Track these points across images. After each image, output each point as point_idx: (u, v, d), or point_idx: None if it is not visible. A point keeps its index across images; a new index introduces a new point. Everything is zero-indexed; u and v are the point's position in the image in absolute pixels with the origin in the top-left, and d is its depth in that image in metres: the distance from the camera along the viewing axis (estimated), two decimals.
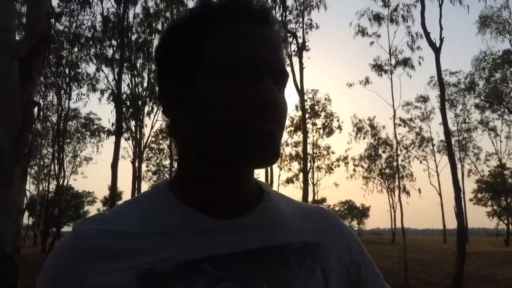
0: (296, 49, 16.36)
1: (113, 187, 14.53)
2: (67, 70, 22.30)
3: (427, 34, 10.79)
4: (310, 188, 35.07)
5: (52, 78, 22.28)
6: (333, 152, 35.69)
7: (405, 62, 16.40)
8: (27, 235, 40.34)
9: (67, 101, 23.36)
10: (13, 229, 4.16)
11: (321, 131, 33.65)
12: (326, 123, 33.15)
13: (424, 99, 31.97)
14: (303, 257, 0.68)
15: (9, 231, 4.10)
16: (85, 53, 20.49)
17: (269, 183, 20.93)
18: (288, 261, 0.66)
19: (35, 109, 4.63)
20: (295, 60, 16.14)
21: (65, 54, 21.72)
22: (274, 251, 0.66)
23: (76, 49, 20.85)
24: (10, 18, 4.43)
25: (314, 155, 34.65)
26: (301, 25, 17.68)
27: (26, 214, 40.13)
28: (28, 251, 22.13)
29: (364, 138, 33.33)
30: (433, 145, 33.95)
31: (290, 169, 33.73)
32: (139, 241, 0.61)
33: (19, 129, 4.25)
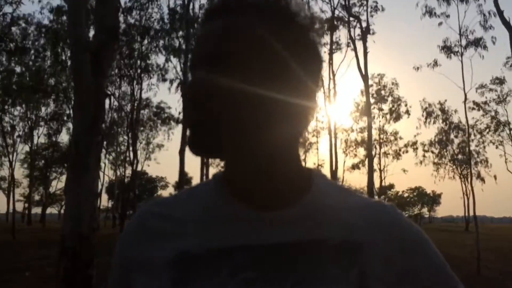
0: (360, 33, 15.91)
1: (181, 172, 15.11)
2: (138, 62, 23.33)
3: (500, 13, 10.09)
4: (377, 174, 34.29)
5: (125, 70, 23.37)
6: (400, 138, 34.59)
7: (477, 42, 15.41)
8: (107, 217, 43.06)
9: (139, 91, 24.49)
10: (89, 211, 4.49)
11: (388, 116, 32.64)
12: (393, 108, 32.10)
13: (500, 81, 29.88)
14: (338, 256, 0.63)
15: (85, 213, 4.44)
16: (155, 44, 21.31)
17: (333, 169, 20.83)
18: (320, 258, 0.62)
19: (106, 100, 4.91)
20: (359, 44, 15.72)
21: (136, 46, 22.70)
22: (307, 246, 0.63)
23: (146, 41, 21.71)
24: (81, 14, 4.73)
25: (381, 140, 33.72)
26: (365, 8, 17.16)
27: (106, 197, 42.90)
28: (108, 232, 23.65)
29: (434, 123, 31.88)
30: (510, 129, 31.74)
31: (355, 155, 33.11)
32: (183, 225, 0.66)
33: (92, 119, 4.54)
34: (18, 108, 27.98)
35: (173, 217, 0.68)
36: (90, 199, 4.53)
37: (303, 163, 0.70)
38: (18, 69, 24.38)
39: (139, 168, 30.55)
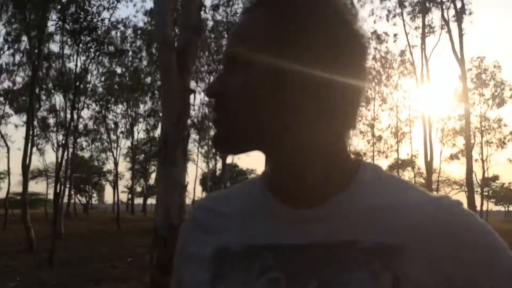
0: (454, 14, 14.84)
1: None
2: None
3: None
4: (479, 165, 31.93)
5: (214, 66, 24.15)
6: (505, 125, 31.82)
7: None
8: None
9: None
10: (178, 202, 4.72)
11: (490, 102, 30.18)
12: (495, 93, 29.60)
13: None
14: (369, 259, 0.58)
15: (175, 204, 4.67)
16: None
17: (428, 160, 19.72)
18: (347, 261, 0.59)
19: (197, 95, 5.10)
20: (454, 26, 14.67)
21: (223, 42, 23.34)
22: (335, 247, 0.60)
23: None
24: (168, 15, 4.95)
25: (483, 128, 31.31)
26: None
27: (200, 189, 44.85)
28: None
29: None
30: None
31: (454, 145, 31.13)
32: (226, 220, 0.68)
33: (178, 116, 4.75)
34: (120, 106, 30.25)
35: (221, 212, 0.69)
36: (179, 191, 4.75)
37: (352, 157, 0.65)
38: (118, 70, 26.33)
39: (230, 161, 31.40)
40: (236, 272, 0.63)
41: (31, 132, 12.13)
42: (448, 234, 0.58)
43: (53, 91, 23.79)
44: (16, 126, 30.53)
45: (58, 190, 11.98)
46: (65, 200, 24.12)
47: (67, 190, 25.18)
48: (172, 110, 4.79)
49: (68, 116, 16.54)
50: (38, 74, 16.46)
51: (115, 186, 37.83)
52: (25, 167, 11.89)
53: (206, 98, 28.15)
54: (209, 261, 0.65)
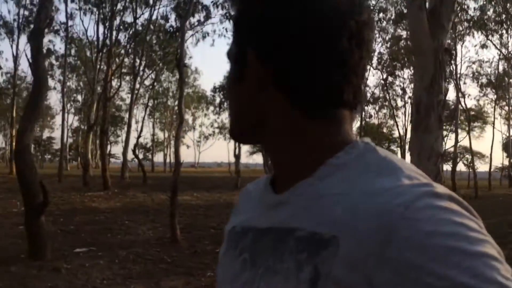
0: None
1: None
2: None
3: None
4: None
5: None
6: None
7: None
8: (505, 176, 40.18)
9: None
10: (433, 171, 4.48)
11: None
12: None
13: None
14: (300, 249, 0.56)
15: (429, 174, 4.45)
16: None
17: None
18: (283, 248, 0.58)
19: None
20: None
21: None
22: (281, 233, 0.59)
23: None
24: None
25: None
26: None
27: (503, 155, 39.99)
28: (503, 192, 22.23)
29: None
30: None
31: None
32: (245, 204, 0.74)
33: (431, 78, 4.45)
34: (407, 71, 29.76)
35: (249, 196, 0.74)
36: (434, 159, 4.50)
37: (347, 139, 0.61)
38: (404, 33, 25.85)
39: None
40: (232, 249, 0.68)
41: None
42: (381, 229, 0.49)
43: None
44: None
45: None
46: None
47: None
48: (425, 73, 4.52)
49: None
50: None
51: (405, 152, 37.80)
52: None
53: (501, 53, 24.63)
54: (225, 239, 0.73)
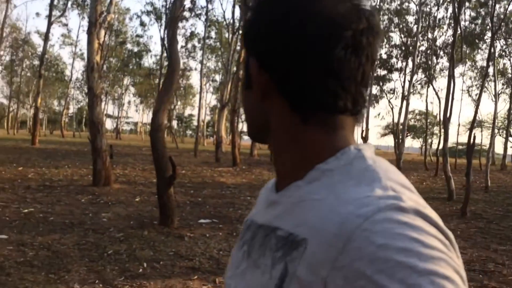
0: None
1: None
2: None
3: None
4: None
5: None
6: None
7: None
8: None
9: None
10: None
11: None
12: None
13: None
14: (277, 247, 0.61)
15: None
16: None
17: None
18: (267, 245, 0.64)
19: None
20: None
21: None
22: (267, 231, 0.66)
23: None
24: None
25: None
26: None
27: None
28: None
29: None
30: None
31: None
32: (260, 199, 0.79)
33: None
34: None
35: (266, 192, 0.78)
36: None
37: (345, 144, 0.64)
38: None
39: None
40: (240, 240, 0.75)
41: (452, 86, 12.33)
42: (339, 237, 0.52)
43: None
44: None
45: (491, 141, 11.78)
46: (500, 151, 23.10)
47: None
48: None
49: None
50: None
51: None
52: (446, 118, 12.30)
53: None
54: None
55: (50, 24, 27.13)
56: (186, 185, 12.03)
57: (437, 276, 0.47)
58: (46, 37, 26.63)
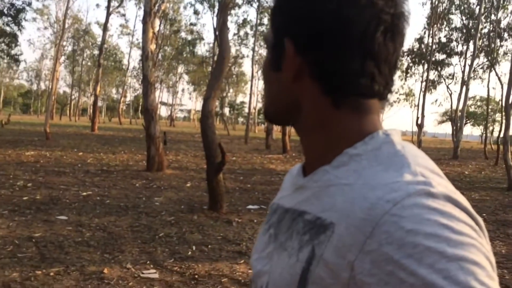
0: None
1: None
2: None
3: None
4: None
5: None
6: None
7: None
8: None
9: None
10: None
11: None
12: None
13: None
14: (304, 231, 0.61)
15: None
16: None
17: None
18: (293, 228, 0.64)
19: None
20: None
21: None
22: (295, 215, 0.66)
23: None
24: None
25: None
26: None
27: None
28: None
29: None
30: None
31: None
32: (286, 184, 0.79)
33: None
34: None
35: (291, 176, 0.78)
36: None
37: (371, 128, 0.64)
38: None
39: None
40: (265, 223, 0.76)
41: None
42: (367, 222, 0.52)
43: None
44: None
45: None
46: None
47: None
48: None
49: None
50: None
51: None
52: (508, 104, 11.64)
53: None
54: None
55: (108, 14, 28.16)
56: (236, 172, 12.20)
57: (466, 261, 0.47)
58: (105, 28, 27.68)
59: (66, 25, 37.74)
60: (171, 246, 5.18)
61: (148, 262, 4.59)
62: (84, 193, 8.04)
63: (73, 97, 61.65)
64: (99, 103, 33.66)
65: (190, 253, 4.98)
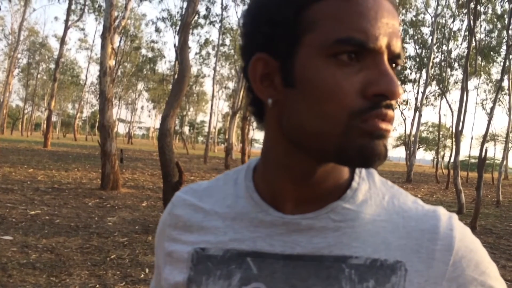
0: None
1: None
2: None
3: None
4: None
5: None
6: None
7: None
8: None
9: None
10: None
11: None
12: None
13: None
14: (362, 277, 0.54)
15: None
16: None
17: None
18: (339, 277, 0.55)
19: None
20: None
21: None
22: (325, 262, 0.56)
23: None
24: None
25: None
26: None
27: None
28: None
29: None
30: None
31: None
32: (207, 219, 0.63)
33: None
34: None
35: (202, 208, 0.65)
36: None
37: None
38: None
39: None
40: (215, 278, 0.59)
41: (466, 98, 12.22)
42: (443, 251, 0.56)
43: None
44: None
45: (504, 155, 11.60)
46: None
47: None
48: None
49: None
50: None
51: None
52: (458, 131, 12.16)
53: None
54: (187, 263, 0.62)
55: (67, 28, 27.51)
56: None
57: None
58: (62, 41, 26.97)
59: (22, 37, 36.66)
60: (123, 269, 4.98)
61: (97, 286, 4.39)
62: (32, 212, 7.67)
63: (26, 111, 59.55)
64: (54, 118, 32.67)
65: (142, 276, 4.81)
